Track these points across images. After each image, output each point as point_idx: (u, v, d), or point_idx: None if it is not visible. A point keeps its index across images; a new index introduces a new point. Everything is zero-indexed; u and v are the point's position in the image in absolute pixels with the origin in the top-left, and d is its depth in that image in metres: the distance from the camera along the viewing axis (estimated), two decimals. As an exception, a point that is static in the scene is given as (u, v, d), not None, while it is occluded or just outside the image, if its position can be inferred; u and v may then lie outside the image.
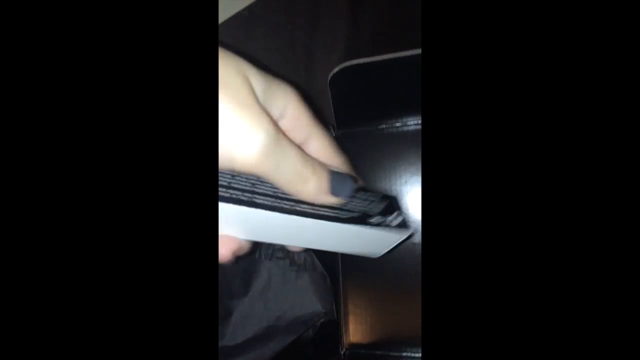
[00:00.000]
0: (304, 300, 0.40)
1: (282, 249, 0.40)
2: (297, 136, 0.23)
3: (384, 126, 0.41)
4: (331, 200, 0.23)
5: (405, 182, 0.40)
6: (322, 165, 0.22)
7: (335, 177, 0.23)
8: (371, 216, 0.26)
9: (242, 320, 0.39)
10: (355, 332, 0.41)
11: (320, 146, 0.24)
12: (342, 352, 0.41)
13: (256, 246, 0.40)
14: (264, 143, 0.19)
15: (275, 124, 0.20)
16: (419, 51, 0.34)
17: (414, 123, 0.40)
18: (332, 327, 0.41)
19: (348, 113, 0.41)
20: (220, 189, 0.20)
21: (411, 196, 0.39)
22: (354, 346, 0.41)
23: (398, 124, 0.40)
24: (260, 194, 0.22)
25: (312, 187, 0.22)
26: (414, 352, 0.39)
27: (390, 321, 0.41)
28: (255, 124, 0.19)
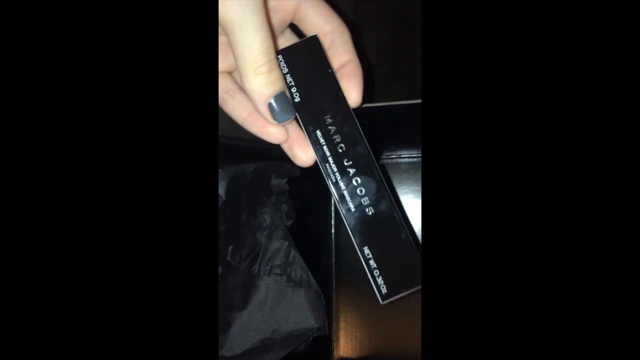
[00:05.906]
0: (299, 316, 0.41)
1: (280, 265, 0.43)
2: None
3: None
4: (266, 113, 0.21)
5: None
6: (280, 79, 0.21)
7: (281, 97, 0.21)
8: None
9: (240, 333, 0.40)
10: (345, 347, 0.44)
11: (316, 5, 0.23)
12: (332, 366, 0.43)
13: (254, 261, 0.43)
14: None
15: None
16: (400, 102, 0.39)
17: (395, 156, 0.45)
18: (324, 342, 0.43)
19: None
20: None
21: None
22: (343, 360, 0.43)
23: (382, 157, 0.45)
24: None
25: (258, 83, 0.20)
26: (399, 368, 0.42)
27: (377, 338, 0.43)
28: None
